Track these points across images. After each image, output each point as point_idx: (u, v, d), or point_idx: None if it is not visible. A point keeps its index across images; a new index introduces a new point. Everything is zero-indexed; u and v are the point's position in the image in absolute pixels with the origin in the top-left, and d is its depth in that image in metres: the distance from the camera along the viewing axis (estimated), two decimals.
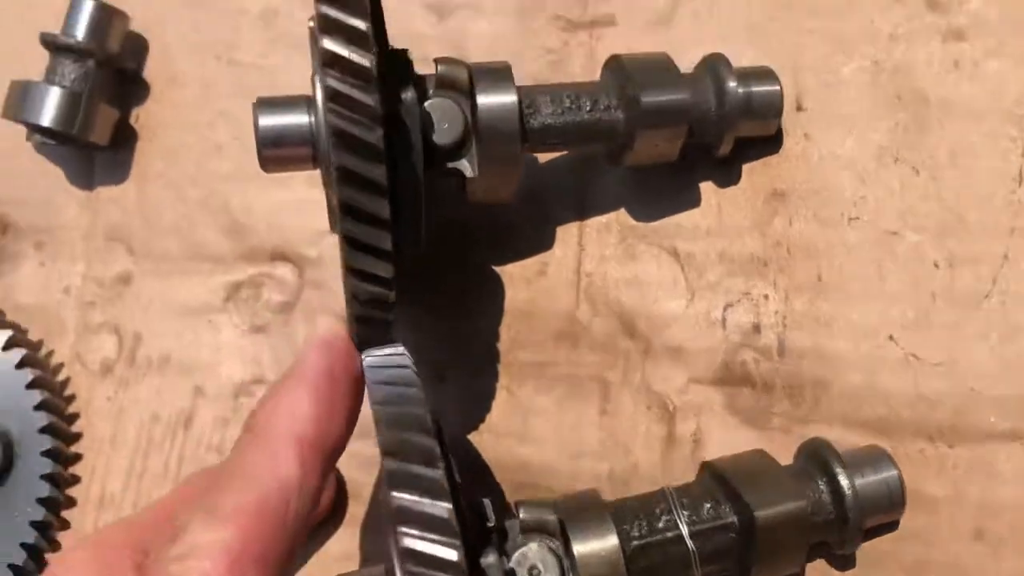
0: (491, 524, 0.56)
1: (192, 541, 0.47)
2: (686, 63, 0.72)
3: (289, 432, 0.51)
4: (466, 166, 0.65)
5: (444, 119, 0.63)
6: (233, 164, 0.81)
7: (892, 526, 0.64)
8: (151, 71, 0.84)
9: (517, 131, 0.64)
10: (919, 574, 0.63)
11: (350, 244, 0.54)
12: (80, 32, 0.79)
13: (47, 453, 0.75)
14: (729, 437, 0.68)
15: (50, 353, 0.82)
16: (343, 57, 0.52)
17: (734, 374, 0.69)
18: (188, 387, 0.79)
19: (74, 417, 0.80)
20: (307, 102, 0.62)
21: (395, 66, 0.62)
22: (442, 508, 0.47)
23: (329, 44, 0.52)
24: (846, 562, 0.65)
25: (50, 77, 0.79)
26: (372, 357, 0.56)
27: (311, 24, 0.63)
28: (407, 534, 0.46)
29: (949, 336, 0.66)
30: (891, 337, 0.67)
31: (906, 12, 0.70)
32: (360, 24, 0.52)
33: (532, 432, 0.71)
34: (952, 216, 0.67)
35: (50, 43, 0.79)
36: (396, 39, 0.75)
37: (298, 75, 0.78)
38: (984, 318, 0.66)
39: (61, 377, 0.81)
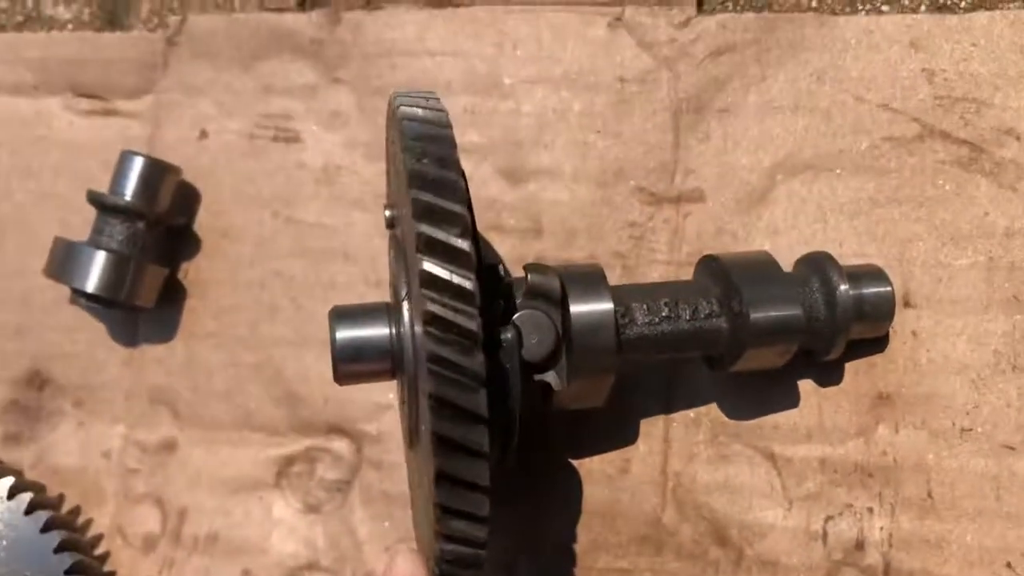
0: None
1: None
2: (781, 247, 0.68)
3: None
4: (555, 379, 0.60)
5: (534, 333, 0.59)
6: (288, 328, 0.76)
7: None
8: (202, 224, 0.79)
9: (612, 343, 0.59)
10: None
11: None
12: (129, 191, 0.74)
13: None
14: None
15: (88, 522, 0.77)
16: (445, 280, 0.47)
17: None
18: (236, 570, 0.74)
19: None
20: (387, 311, 0.57)
21: (487, 280, 0.57)
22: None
23: (430, 265, 0.47)
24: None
25: (96, 238, 0.74)
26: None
27: (389, 214, 0.58)
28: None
29: None
30: (1009, 564, 0.62)
31: (1023, 205, 0.65)
32: (462, 244, 0.47)
33: None
34: None
35: (97, 202, 0.74)
36: None
37: (360, 237, 0.73)
38: None
39: (100, 550, 0.76)
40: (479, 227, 0.71)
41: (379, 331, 0.56)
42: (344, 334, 0.56)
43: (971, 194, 0.67)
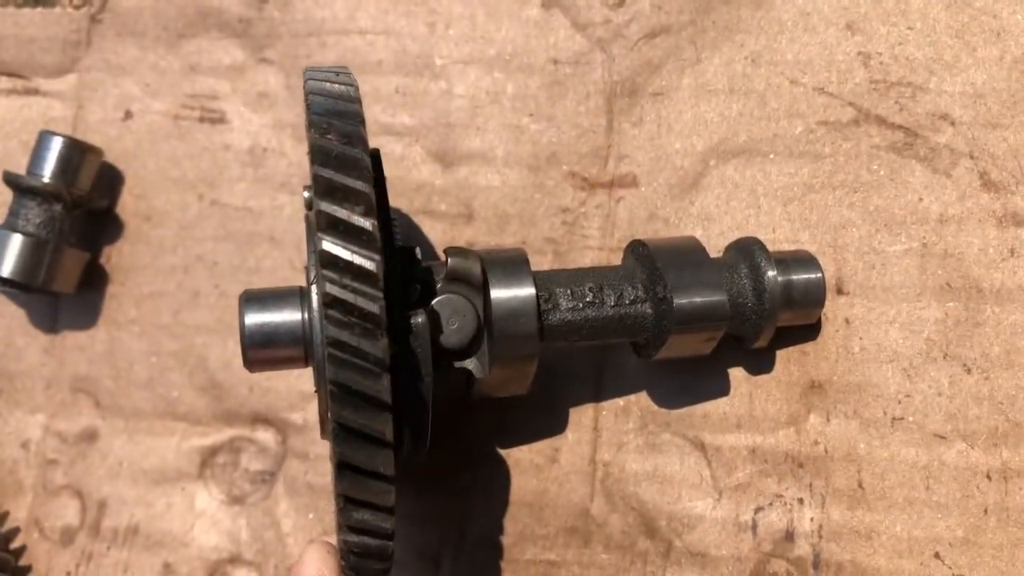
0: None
1: None
2: (714, 233, 0.66)
3: None
4: (476, 366, 0.58)
5: (454, 318, 0.57)
6: (212, 315, 0.74)
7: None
8: (125, 207, 0.77)
9: (534, 329, 0.57)
10: None
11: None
12: (47, 173, 0.72)
13: None
14: None
15: (5, 515, 0.74)
16: (345, 260, 0.45)
17: None
18: (157, 564, 0.72)
19: None
20: (300, 294, 0.55)
21: (401, 263, 0.55)
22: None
23: (330, 244, 0.45)
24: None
25: (12, 221, 0.72)
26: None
27: (306, 195, 0.56)
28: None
29: (1002, 557, 0.60)
30: (937, 555, 0.61)
31: (957, 191, 0.64)
32: (364, 223, 0.45)
33: None
34: (1006, 422, 0.61)
35: (13, 183, 0.71)
36: (398, 189, 0.69)
37: (286, 221, 0.71)
38: None
39: (16, 544, 0.73)
40: (408, 211, 0.69)
41: (291, 316, 0.54)
42: (254, 319, 0.54)
43: (905, 179, 0.66)
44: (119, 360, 0.75)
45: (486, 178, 0.71)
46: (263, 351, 0.55)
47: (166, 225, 0.76)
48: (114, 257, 0.77)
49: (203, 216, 0.75)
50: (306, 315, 0.54)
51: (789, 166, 0.68)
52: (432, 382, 0.52)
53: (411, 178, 0.72)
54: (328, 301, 0.44)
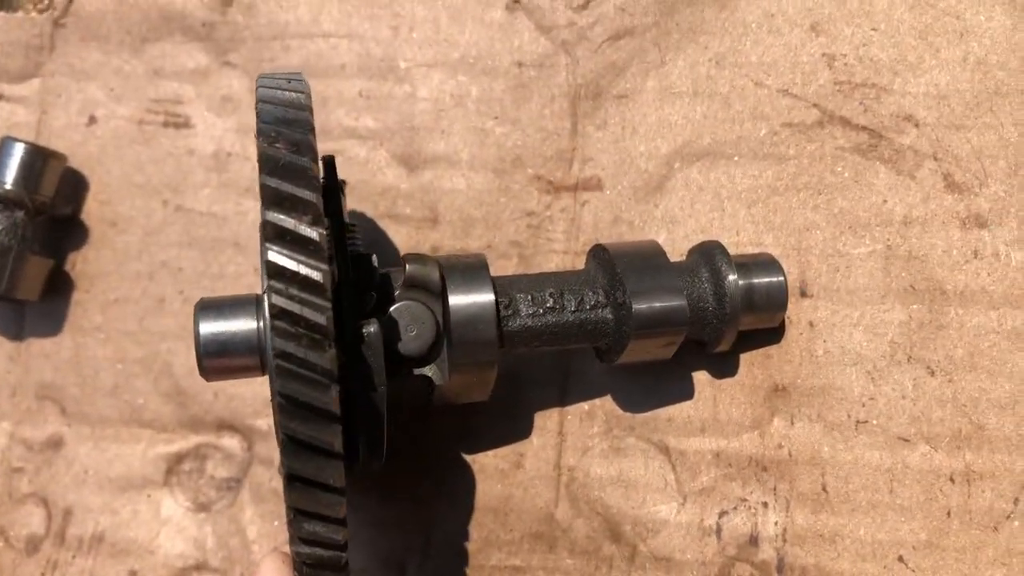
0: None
1: None
2: (678, 236, 0.66)
3: None
4: (436, 373, 0.58)
5: (412, 325, 0.56)
6: (176, 321, 0.74)
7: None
8: (90, 213, 0.76)
9: (494, 336, 0.57)
10: None
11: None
12: (9, 179, 0.71)
13: None
14: None
15: None
16: (292, 271, 0.44)
17: None
18: (123, 571, 0.72)
19: None
20: (256, 303, 0.55)
21: (357, 271, 0.55)
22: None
23: (275, 255, 0.44)
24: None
25: None
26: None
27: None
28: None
29: (965, 560, 0.60)
30: (901, 558, 0.60)
31: (921, 192, 0.64)
32: (311, 233, 0.45)
33: None
34: (969, 425, 0.61)
35: None
36: (362, 193, 0.68)
37: (251, 226, 0.71)
38: (1004, 542, 0.60)
39: None
40: (372, 215, 0.69)
41: (246, 325, 0.54)
42: (209, 328, 0.54)
43: (870, 181, 0.66)
44: (85, 367, 0.75)
45: (451, 181, 0.71)
46: (218, 360, 0.54)
47: (131, 231, 0.76)
48: (79, 264, 0.76)
49: (168, 222, 0.75)
50: (261, 324, 0.53)
51: (753, 168, 0.67)
52: (386, 392, 0.52)
53: (376, 182, 0.72)
54: (275, 312, 0.44)
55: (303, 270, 0.44)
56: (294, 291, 0.44)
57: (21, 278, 0.72)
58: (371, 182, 0.72)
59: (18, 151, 0.71)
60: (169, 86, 0.76)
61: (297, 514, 0.46)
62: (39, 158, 0.72)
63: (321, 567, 0.49)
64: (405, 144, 0.72)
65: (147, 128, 0.76)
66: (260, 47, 0.75)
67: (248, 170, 0.74)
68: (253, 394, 0.72)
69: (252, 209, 0.74)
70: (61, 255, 0.76)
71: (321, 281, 0.44)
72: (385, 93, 0.73)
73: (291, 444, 0.45)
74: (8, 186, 0.71)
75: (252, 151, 0.74)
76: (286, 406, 0.44)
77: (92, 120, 0.77)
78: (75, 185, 0.77)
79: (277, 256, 0.44)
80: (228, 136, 0.75)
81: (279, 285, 0.44)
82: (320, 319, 0.44)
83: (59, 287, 0.76)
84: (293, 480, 0.45)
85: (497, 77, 0.72)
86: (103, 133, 0.77)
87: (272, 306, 0.44)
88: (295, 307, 0.44)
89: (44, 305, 0.76)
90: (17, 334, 0.77)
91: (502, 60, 0.72)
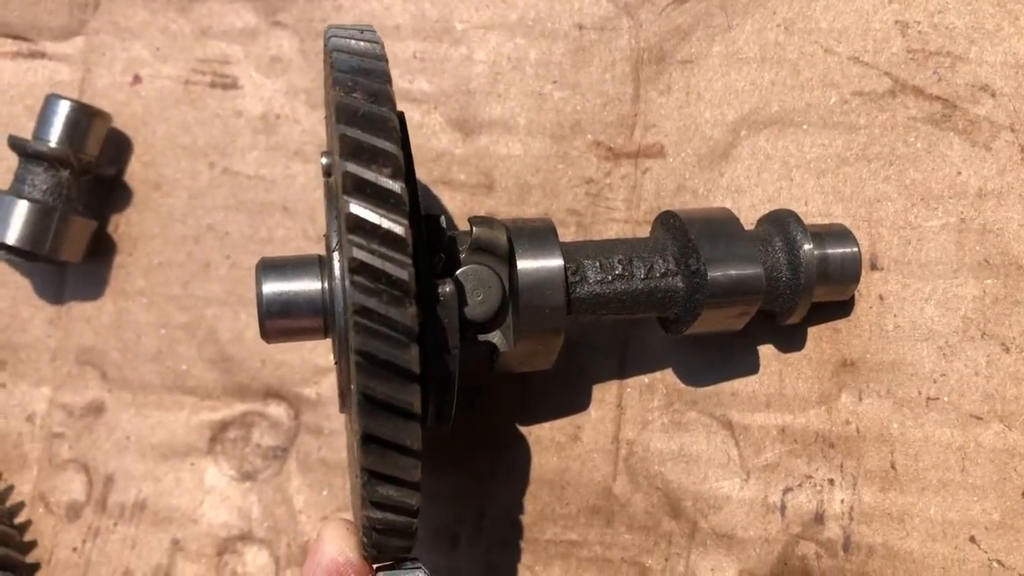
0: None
1: None
2: (744, 205, 0.64)
3: None
4: (500, 339, 0.56)
5: (479, 289, 0.55)
6: (222, 287, 0.72)
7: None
8: (133, 175, 0.74)
9: (562, 302, 0.55)
10: None
11: (372, 475, 0.45)
12: (54, 138, 0.69)
13: None
14: None
15: (9, 488, 0.72)
16: (373, 224, 0.43)
17: (793, 569, 0.60)
18: (166, 540, 0.70)
19: (34, 568, 0.70)
20: (320, 264, 0.53)
21: (426, 231, 0.53)
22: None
23: (357, 208, 0.42)
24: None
25: (18, 187, 0.69)
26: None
27: (324, 162, 0.54)
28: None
29: None
30: (972, 539, 0.59)
31: (997, 164, 0.62)
32: (393, 185, 0.43)
33: None
34: None
35: (19, 148, 0.69)
36: (416, 158, 0.66)
37: (300, 190, 0.69)
38: None
39: (21, 519, 0.71)
40: (427, 181, 0.67)
41: (310, 285, 0.52)
42: (272, 288, 0.52)
43: (943, 152, 0.64)
44: (126, 332, 0.73)
45: (507, 147, 0.69)
46: (281, 321, 0.52)
47: (176, 194, 0.74)
48: (122, 226, 0.74)
49: (214, 185, 0.73)
50: (326, 284, 0.52)
51: (823, 137, 0.65)
52: (459, 354, 0.50)
53: (430, 147, 0.70)
54: (355, 267, 0.42)
55: (385, 223, 0.42)
56: (375, 245, 0.42)
57: (64, 239, 0.70)
58: (425, 147, 0.70)
59: (63, 108, 0.70)
60: (216, 46, 0.74)
61: (371, 476, 0.45)
62: (84, 116, 0.70)
63: (391, 533, 0.48)
64: (460, 108, 0.70)
65: (193, 88, 0.74)
66: (311, 7, 0.73)
67: (297, 133, 0.73)
68: (301, 361, 0.71)
69: (301, 172, 0.72)
70: (104, 217, 0.75)
71: (403, 235, 0.43)
72: (440, 55, 0.71)
73: (368, 404, 0.43)
74: (53, 144, 0.69)
75: (301, 113, 0.73)
76: (364, 364, 0.42)
77: (137, 80, 0.75)
78: (119, 146, 0.75)
79: (358, 208, 0.42)
80: (277, 98, 0.73)
81: (359, 239, 0.42)
82: (402, 274, 0.42)
83: (101, 250, 0.74)
84: (368, 441, 0.44)
85: (556, 40, 0.70)
86: (148, 93, 0.75)
87: (352, 259, 0.42)
88: (376, 261, 0.42)
89: (86, 268, 0.74)
90: (58, 297, 0.75)
91: (562, 22, 0.70)
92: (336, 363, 0.54)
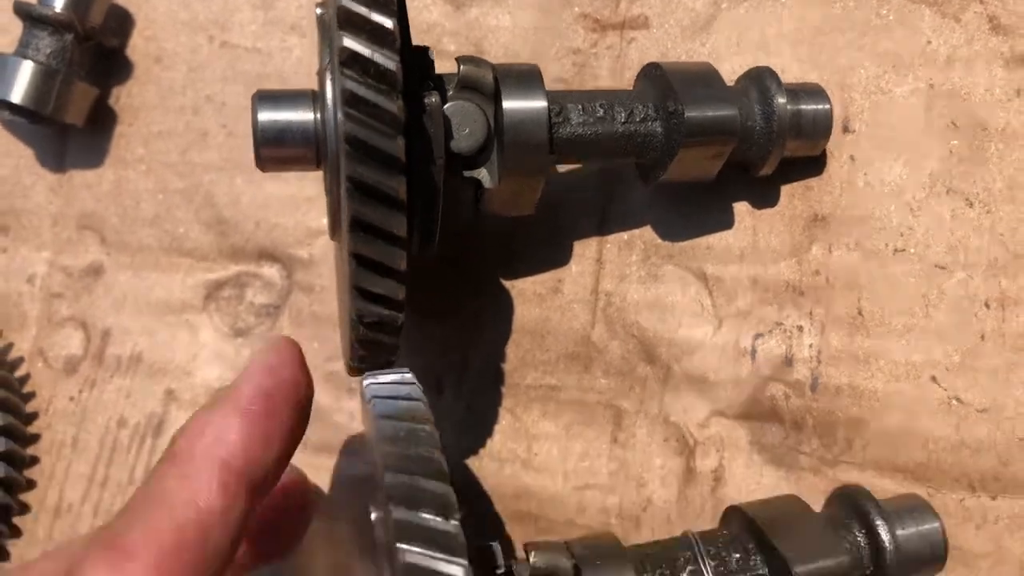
0: (500, 571, 0.50)
1: None
2: (724, 72, 0.66)
3: (212, 457, 0.44)
4: (485, 176, 0.59)
5: (464, 124, 0.57)
6: (219, 154, 0.75)
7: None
8: (135, 49, 0.77)
9: (544, 140, 0.58)
10: None
11: (359, 262, 0.48)
12: (58, 3, 0.71)
13: (1, 457, 0.68)
14: (753, 476, 0.62)
15: (9, 346, 0.74)
16: (364, 57, 0.45)
17: (762, 409, 0.63)
18: (160, 390, 0.72)
19: (32, 416, 0.73)
20: (312, 98, 0.55)
21: (415, 64, 0.55)
22: (458, 568, 0.41)
23: (349, 41, 0.45)
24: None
25: (23, 50, 0.72)
26: (376, 385, 0.49)
27: (320, 11, 0.56)
28: None
29: (997, 381, 0.61)
30: (934, 378, 0.62)
31: (966, 34, 0.65)
32: (386, 21, 0.46)
33: (536, 460, 0.65)
34: (1006, 253, 0.62)
35: (25, 13, 0.71)
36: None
37: (296, 62, 0.72)
38: None
39: (20, 373, 0.74)
40: None
41: (303, 115, 0.55)
42: (267, 116, 0.54)
43: (914, 23, 0.67)
44: (126, 198, 0.76)
45: (497, 19, 0.72)
46: (275, 149, 0.55)
47: (176, 67, 0.76)
48: (123, 98, 0.77)
49: (213, 57, 0.76)
50: (318, 115, 0.54)
51: (799, 9, 0.68)
52: (444, 166, 0.53)
53: (421, 19, 0.73)
54: (348, 99, 0.45)
55: (377, 57, 0.45)
56: (368, 80, 0.45)
57: (67, 102, 0.73)
58: (416, 19, 0.73)
59: None
60: None
61: (360, 295, 0.47)
62: None
63: (378, 348, 0.50)
64: None
65: None
66: None
67: (293, 7, 0.75)
68: (295, 224, 0.73)
69: (297, 46, 0.75)
70: (105, 89, 0.77)
71: (394, 69, 0.46)
72: None
73: (358, 228, 0.45)
74: (58, 9, 0.72)
75: None
76: (354, 191, 0.45)
77: None
78: (121, 20, 0.77)
79: (351, 42, 0.45)
80: None
81: (352, 73, 0.45)
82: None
83: (102, 120, 0.77)
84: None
85: None
86: None
87: (344, 91, 0.45)
88: (369, 95, 0.45)
89: (87, 137, 0.76)
90: (59, 165, 0.77)
91: None
92: (327, 192, 0.57)
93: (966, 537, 0.60)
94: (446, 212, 0.55)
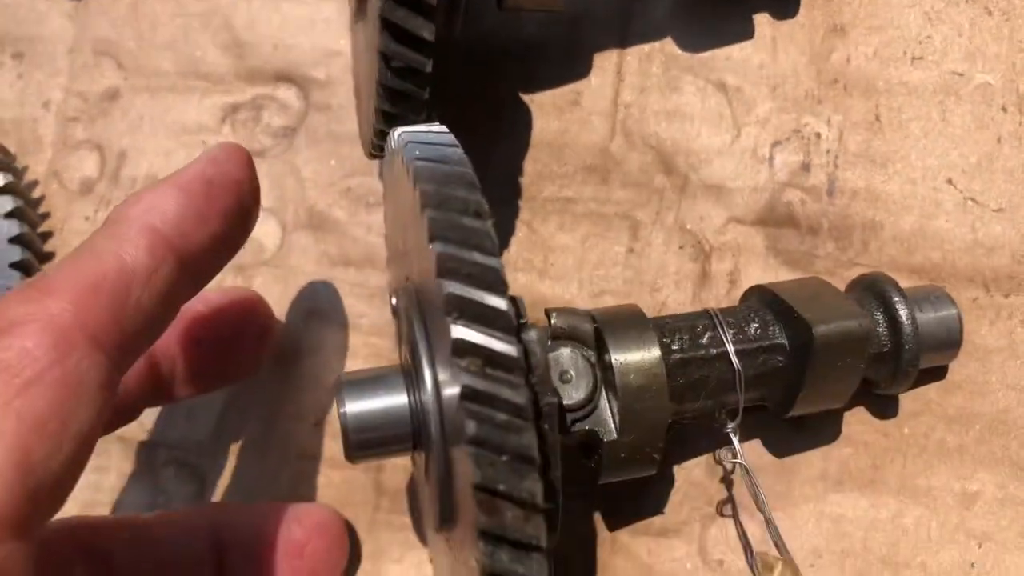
0: (523, 321, 0.50)
1: (9, 316, 0.39)
2: None
3: (143, 221, 0.44)
4: None
5: None
6: None
7: (939, 373, 0.60)
8: None
9: None
10: (963, 425, 0.59)
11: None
12: None
13: (16, 266, 0.68)
14: (768, 278, 0.63)
15: (24, 169, 0.74)
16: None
17: (778, 215, 0.63)
18: None
19: (47, 236, 0.73)
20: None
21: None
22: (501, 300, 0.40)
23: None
24: (887, 408, 0.60)
25: None
26: (408, 132, 0.49)
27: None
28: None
29: (1012, 181, 0.62)
30: (950, 180, 0.62)
31: None
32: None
33: (552, 270, 0.65)
34: None
35: None
36: None
37: None
38: None
39: (35, 195, 0.74)
40: None
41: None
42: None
43: None
44: (143, 23, 0.76)
45: None
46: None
47: None
48: None
49: None
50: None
51: None
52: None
53: None
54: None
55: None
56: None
57: None
58: None
59: None
60: None
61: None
62: None
63: (407, 75, 0.50)
64: None
65: None
66: None
67: None
68: (312, 45, 0.73)
69: None
70: None
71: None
72: None
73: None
74: None
75: None
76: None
77: None
78: None
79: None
80: None
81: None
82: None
83: None
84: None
85: None
86: None
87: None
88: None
89: None
90: None
91: None
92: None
93: (980, 334, 0.60)
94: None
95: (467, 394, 0.38)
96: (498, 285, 0.40)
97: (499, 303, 0.40)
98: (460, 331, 0.38)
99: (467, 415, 0.38)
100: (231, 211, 0.49)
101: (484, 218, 0.42)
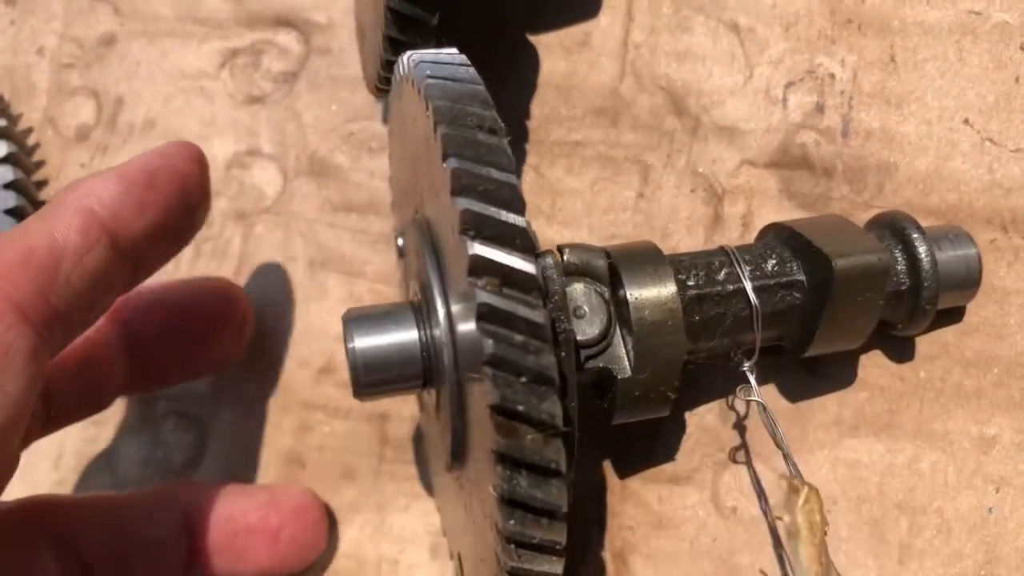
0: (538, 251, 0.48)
1: None
2: None
3: (78, 205, 0.45)
4: None
5: None
6: None
7: (957, 316, 0.58)
8: None
9: None
10: (980, 368, 0.58)
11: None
12: None
13: (11, 212, 0.67)
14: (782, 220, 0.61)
15: (19, 116, 0.73)
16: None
17: (792, 156, 0.62)
18: None
19: (42, 184, 0.71)
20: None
21: None
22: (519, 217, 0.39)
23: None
24: (903, 352, 0.59)
25: None
26: (418, 54, 0.47)
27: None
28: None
29: None
30: (967, 121, 0.61)
31: None
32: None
33: (560, 215, 0.64)
34: None
35: None
36: None
37: None
38: None
39: (30, 142, 0.72)
40: None
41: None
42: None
43: None
44: None
45: None
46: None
47: None
48: None
49: None
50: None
51: None
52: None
53: None
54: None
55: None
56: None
57: None
58: None
59: None
60: None
61: None
62: None
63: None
64: None
65: None
66: None
67: None
68: None
69: None
70: None
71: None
72: None
73: None
74: None
75: None
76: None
77: None
78: None
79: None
80: None
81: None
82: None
83: None
84: None
85: None
86: None
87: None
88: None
89: None
90: None
91: None
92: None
93: (999, 275, 0.59)
94: None
95: (484, 313, 0.37)
96: (516, 202, 0.39)
97: (517, 220, 0.39)
98: (477, 248, 0.37)
99: (484, 335, 0.37)
100: (173, 202, 0.49)
101: (499, 135, 0.41)
